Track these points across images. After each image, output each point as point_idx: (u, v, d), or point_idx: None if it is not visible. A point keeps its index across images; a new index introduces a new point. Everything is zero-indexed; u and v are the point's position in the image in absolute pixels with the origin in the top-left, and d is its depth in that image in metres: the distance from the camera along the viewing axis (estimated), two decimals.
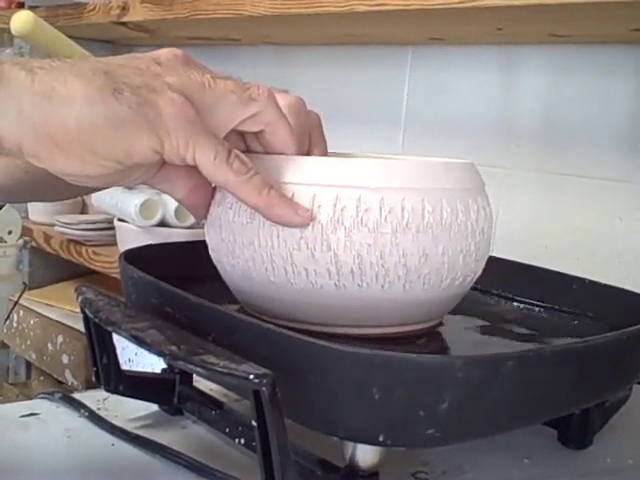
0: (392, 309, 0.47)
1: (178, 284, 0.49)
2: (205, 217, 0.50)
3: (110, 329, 0.46)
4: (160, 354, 0.41)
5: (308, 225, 0.45)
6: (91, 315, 0.47)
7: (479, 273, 0.51)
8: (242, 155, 0.45)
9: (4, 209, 1.43)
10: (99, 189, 0.68)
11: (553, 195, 1.02)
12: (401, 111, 1.21)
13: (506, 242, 1.04)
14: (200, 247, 0.54)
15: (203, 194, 0.49)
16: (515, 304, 0.65)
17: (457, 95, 1.13)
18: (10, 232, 1.44)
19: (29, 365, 1.72)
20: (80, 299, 0.49)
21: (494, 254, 0.70)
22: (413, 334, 0.51)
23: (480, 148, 1.10)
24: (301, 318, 0.48)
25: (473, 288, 0.58)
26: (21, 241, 1.49)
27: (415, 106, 1.20)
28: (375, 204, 0.45)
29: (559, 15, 0.81)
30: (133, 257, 0.56)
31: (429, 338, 0.54)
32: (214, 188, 0.50)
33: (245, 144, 0.50)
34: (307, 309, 0.47)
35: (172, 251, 0.65)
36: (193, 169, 0.45)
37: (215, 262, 0.52)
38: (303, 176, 0.46)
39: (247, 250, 0.47)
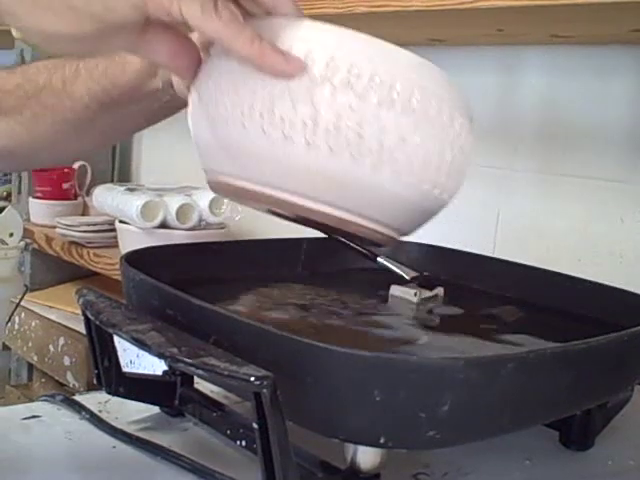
0: (356, 189, 0.46)
1: (179, 286, 0.49)
2: (191, 79, 0.49)
3: (111, 331, 0.46)
4: (161, 356, 0.41)
5: (297, 75, 0.44)
6: (92, 317, 0.47)
7: (447, 197, 0.49)
8: (231, 6, 0.44)
9: (5, 211, 1.43)
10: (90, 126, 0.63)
11: (554, 196, 1.02)
12: None
13: (507, 243, 1.04)
14: (201, 249, 0.54)
15: (188, 56, 0.48)
16: (516, 305, 0.65)
17: None
18: (11, 234, 1.44)
19: (30, 367, 1.72)
20: (81, 301, 0.49)
21: (495, 255, 0.70)
22: (371, 238, 0.49)
23: (481, 149, 1.09)
24: (266, 179, 0.47)
25: (474, 289, 0.58)
26: (22, 243, 1.49)
27: None
28: (367, 73, 0.45)
29: (559, 16, 0.81)
30: (134, 259, 0.56)
31: (429, 341, 0.54)
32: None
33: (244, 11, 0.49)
34: (274, 168, 0.46)
35: (173, 253, 0.65)
36: (176, 33, 0.45)
37: (191, 122, 0.50)
38: (300, 34, 0.46)
39: (228, 98, 0.46)
